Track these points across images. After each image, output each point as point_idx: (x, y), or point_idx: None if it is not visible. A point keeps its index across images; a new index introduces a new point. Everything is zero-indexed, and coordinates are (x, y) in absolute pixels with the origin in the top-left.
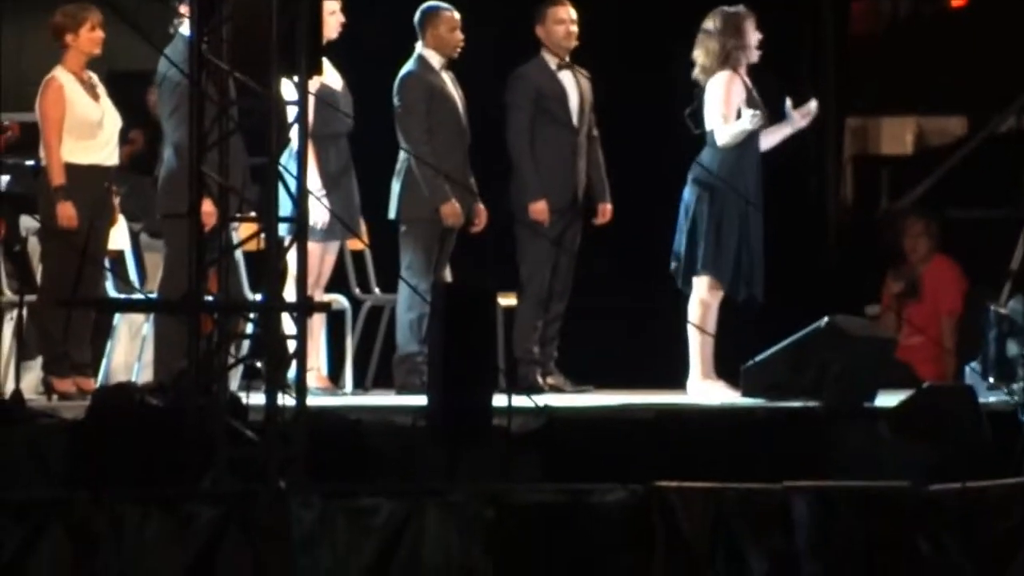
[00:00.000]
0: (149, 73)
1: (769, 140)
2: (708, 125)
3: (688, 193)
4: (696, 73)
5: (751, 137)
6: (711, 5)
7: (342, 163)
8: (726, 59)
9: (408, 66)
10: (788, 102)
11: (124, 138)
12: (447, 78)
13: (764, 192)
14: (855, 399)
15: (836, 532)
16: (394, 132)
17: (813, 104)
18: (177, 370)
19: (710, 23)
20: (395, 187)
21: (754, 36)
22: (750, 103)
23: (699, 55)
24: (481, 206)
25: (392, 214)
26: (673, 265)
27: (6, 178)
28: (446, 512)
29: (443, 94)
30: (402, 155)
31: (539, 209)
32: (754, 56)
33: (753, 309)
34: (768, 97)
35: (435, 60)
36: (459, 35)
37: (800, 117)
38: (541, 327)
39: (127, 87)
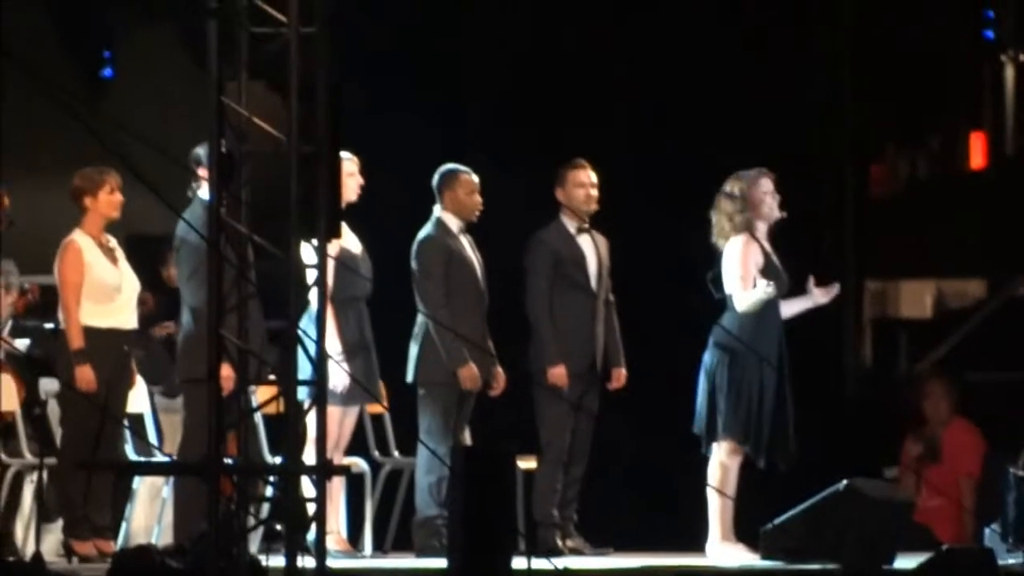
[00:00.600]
0: (167, 237)
1: (787, 310)
2: (727, 289)
3: (708, 356)
4: (714, 237)
5: (772, 301)
6: (731, 169)
7: (361, 327)
8: (743, 223)
9: (426, 229)
10: (811, 280)
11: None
12: (465, 241)
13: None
14: (874, 562)
15: None
16: (412, 294)
17: (836, 287)
18: (197, 533)
19: (727, 186)
20: (413, 350)
21: (772, 198)
22: (767, 268)
23: (716, 219)
24: (499, 369)
25: (410, 378)
26: (696, 428)
27: (26, 341)
28: None
29: (461, 258)
30: (420, 318)
31: (558, 374)
32: (774, 216)
33: (774, 473)
34: (789, 260)
35: (453, 223)
36: (477, 198)
37: (821, 295)
38: (561, 490)
39: (145, 251)
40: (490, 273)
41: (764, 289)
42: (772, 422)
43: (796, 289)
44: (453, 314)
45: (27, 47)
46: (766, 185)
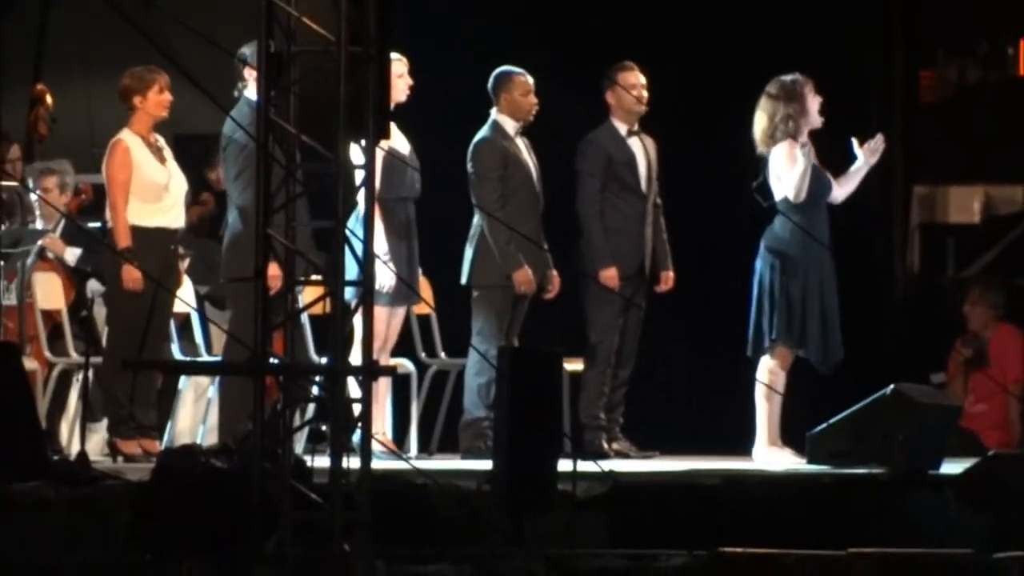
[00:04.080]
0: (215, 137)
1: (846, 187)
2: (776, 195)
3: (759, 262)
4: (758, 143)
5: (818, 205)
6: (775, 71)
7: (408, 228)
8: (786, 127)
9: (482, 132)
10: (854, 142)
11: (196, 199)
12: (521, 144)
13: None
14: (920, 466)
15: None
16: (462, 196)
17: (879, 138)
18: (242, 433)
19: (769, 91)
20: (468, 252)
21: (814, 102)
22: (813, 172)
23: (758, 123)
24: (554, 272)
25: (464, 279)
26: (751, 333)
27: (77, 251)
28: None
29: (517, 160)
30: (475, 220)
31: (609, 275)
32: (816, 122)
33: (821, 378)
34: (834, 166)
35: (509, 126)
36: (533, 99)
37: (869, 154)
38: (607, 393)
39: (193, 150)
40: (545, 175)
41: (802, 156)
42: (821, 326)
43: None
44: (509, 217)
45: None
46: (809, 88)
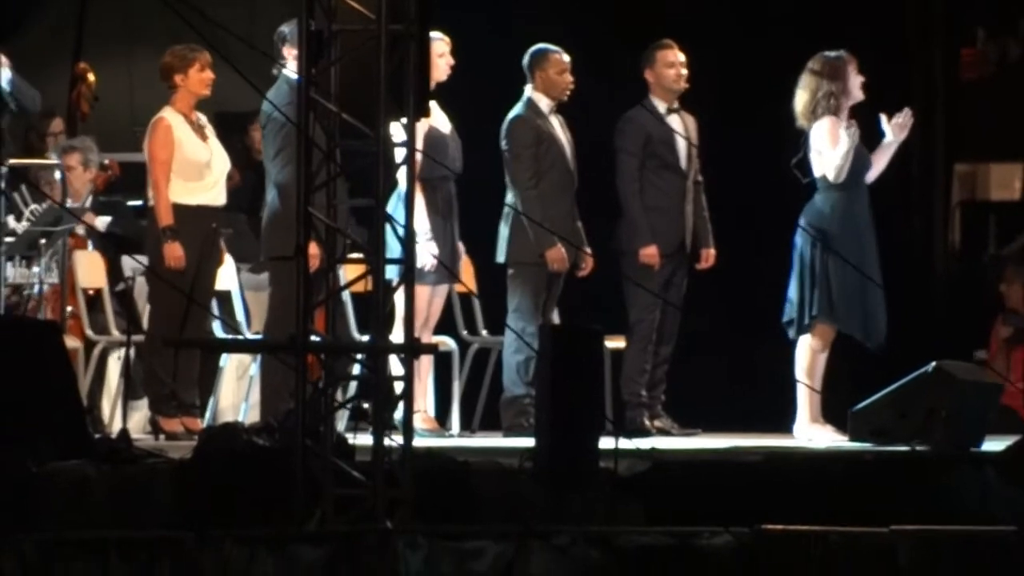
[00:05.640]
0: (256, 114)
1: (877, 164)
2: (817, 171)
3: (799, 238)
4: (798, 119)
5: (858, 183)
6: (815, 49)
7: (448, 206)
8: (828, 104)
9: (516, 109)
10: (882, 118)
11: None
12: (555, 122)
13: None
14: (962, 444)
15: None
16: (501, 175)
17: (907, 113)
18: (284, 411)
19: (811, 67)
20: (502, 231)
21: (857, 79)
22: (854, 149)
23: (800, 99)
24: (588, 250)
25: (500, 257)
26: (787, 310)
27: (107, 219)
28: (552, 554)
29: (551, 138)
30: (509, 198)
31: (649, 253)
32: (858, 97)
33: (864, 352)
34: (868, 139)
35: (544, 103)
36: (568, 77)
37: (898, 129)
38: (649, 370)
39: (235, 128)
40: (580, 153)
41: (846, 137)
42: (862, 302)
43: (874, 145)
44: (542, 194)
45: None
46: (852, 65)
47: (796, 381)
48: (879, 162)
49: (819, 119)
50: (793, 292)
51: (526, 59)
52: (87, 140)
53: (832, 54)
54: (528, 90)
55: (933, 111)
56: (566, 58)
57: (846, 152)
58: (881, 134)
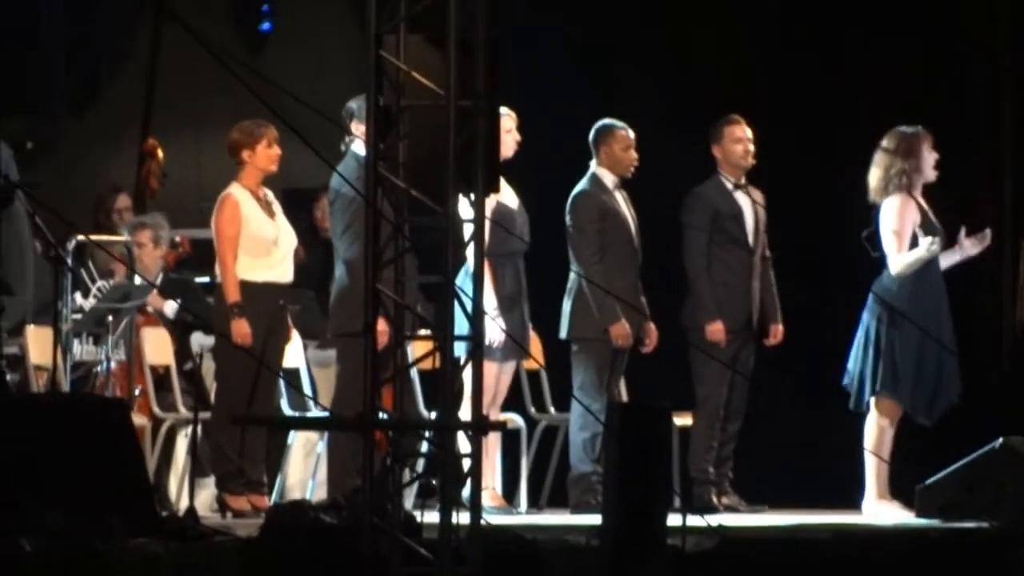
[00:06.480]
0: (323, 190)
1: (943, 261)
2: (886, 247)
3: (867, 314)
4: (871, 194)
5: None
6: (887, 127)
7: (518, 282)
8: (900, 182)
9: (581, 185)
10: (963, 230)
11: None
12: (620, 197)
13: None
14: None
15: None
16: (567, 250)
17: (987, 233)
18: (351, 488)
19: (886, 144)
20: (566, 306)
21: (931, 157)
22: (925, 226)
23: (873, 176)
24: (652, 326)
25: (564, 333)
26: (846, 382)
27: (175, 304)
28: None
29: (616, 214)
30: (573, 274)
31: (716, 330)
32: (931, 176)
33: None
34: (945, 216)
35: (608, 179)
36: (633, 154)
37: (972, 245)
38: (716, 447)
39: (302, 205)
40: (645, 228)
41: (927, 248)
42: (934, 379)
43: (948, 243)
44: (606, 270)
45: (186, 1)
46: (927, 143)
47: (864, 457)
48: (945, 260)
49: (890, 195)
50: (853, 364)
51: (592, 134)
52: (158, 217)
53: (908, 130)
54: (593, 165)
55: (1001, 185)
56: (631, 134)
57: (917, 261)
58: (955, 240)
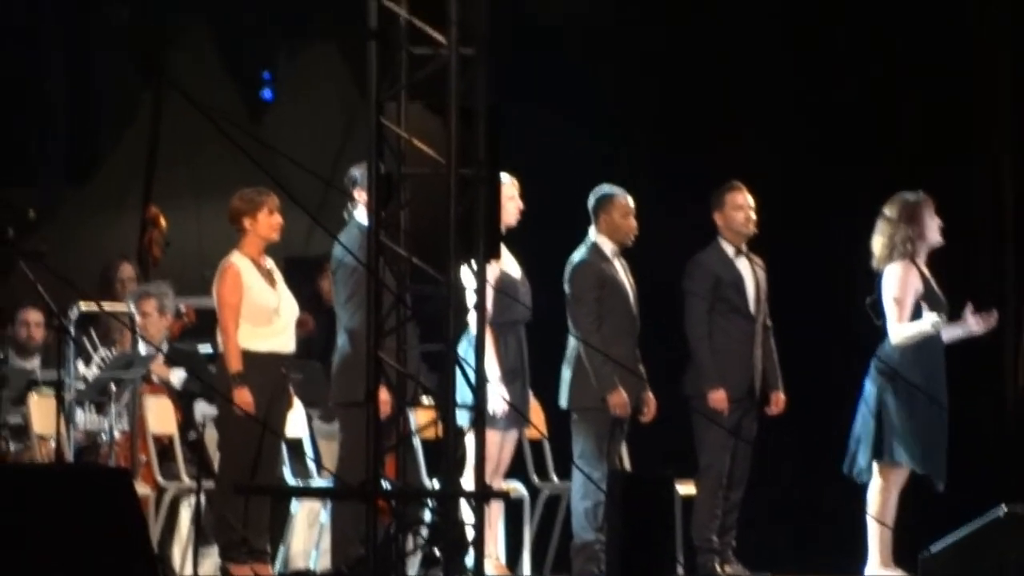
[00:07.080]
0: (325, 259)
1: (945, 335)
2: (888, 316)
3: (869, 382)
4: (874, 262)
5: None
6: (889, 193)
7: (520, 351)
8: (904, 249)
9: (580, 253)
10: (969, 306)
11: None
12: (619, 265)
13: None
14: None
15: None
16: (566, 318)
17: (994, 313)
18: (355, 557)
19: (888, 211)
20: (565, 375)
21: (933, 223)
22: (928, 295)
23: (877, 243)
24: (650, 394)
25: (563, 403)
26: (851, 450)
27: (182, 373)
28: None
29: (614, 282)
30: (571, 342)
31: (718, 398)
32: (936, 241)
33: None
34: (946, 283)
35: (607, 247)
36: (632, 222)
37: (976, 323)
38: (720, 515)
39: (304, 273)
40: (645, 295)
41: (931, 324)
42: (936, 446)
43: (952, 315)
44: (604, 339)
45: (187, 69)
46: (929, 209)
47: (867, 523)
48: (947, 334)
49: (893, 262)
50: (859, 432)
51: (591, 201)
52: (163, 285)
53: (910, 196)
54: (592, 233)
55: (1004, 254)
56: (631, 201)
57: (917, 334)
58: (958, 315)
